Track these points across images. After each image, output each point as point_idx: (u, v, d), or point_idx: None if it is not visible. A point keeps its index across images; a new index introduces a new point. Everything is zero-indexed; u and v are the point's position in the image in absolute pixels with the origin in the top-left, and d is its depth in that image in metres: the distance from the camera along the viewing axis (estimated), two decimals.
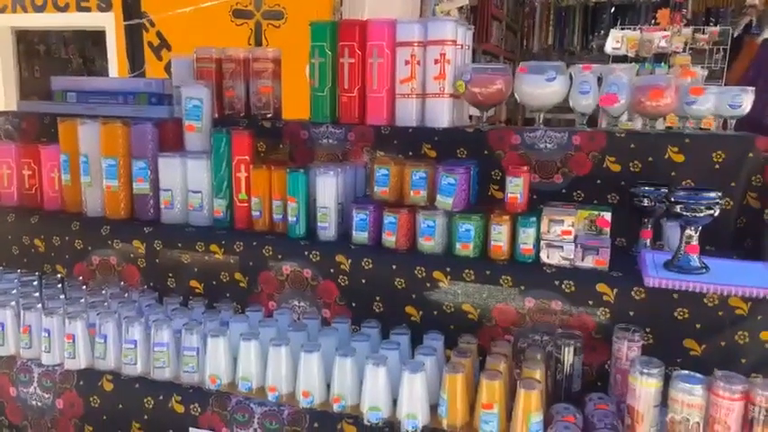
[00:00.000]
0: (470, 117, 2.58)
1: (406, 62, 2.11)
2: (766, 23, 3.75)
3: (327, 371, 1.71)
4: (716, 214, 1.63)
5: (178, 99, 2.37)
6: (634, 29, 4.48)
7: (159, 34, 4.32)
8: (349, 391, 1.67)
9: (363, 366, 1.65)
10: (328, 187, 2.02)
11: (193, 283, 2.16)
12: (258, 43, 4.14)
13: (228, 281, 2.10)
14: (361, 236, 1.98)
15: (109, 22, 4.50)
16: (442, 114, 2.14)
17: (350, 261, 1.94)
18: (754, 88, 1.92)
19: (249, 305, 2.05)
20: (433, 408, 1.63)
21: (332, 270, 1.97)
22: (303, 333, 1.82)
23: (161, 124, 2.29)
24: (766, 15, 3.82)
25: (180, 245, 2.14)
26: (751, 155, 1.85)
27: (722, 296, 1.60)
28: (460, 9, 4.58)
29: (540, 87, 2.01)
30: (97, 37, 4.89)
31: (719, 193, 1.63)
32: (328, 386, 1.72)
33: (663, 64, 4.43)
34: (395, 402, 1.65)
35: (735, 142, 1.87)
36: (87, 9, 4.57)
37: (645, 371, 1.43)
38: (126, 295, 2.11)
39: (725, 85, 5.68)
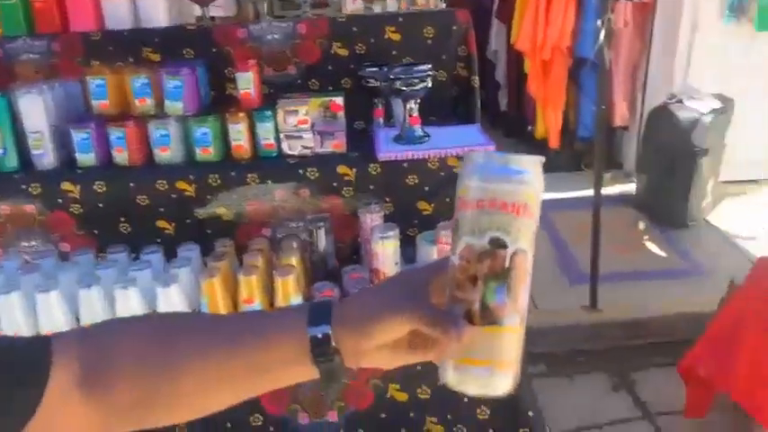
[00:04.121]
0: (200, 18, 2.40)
1: None
2: None
3: (73, 308, 1.57)
4: (429, 86, 1.78)
5: None
6: None
7: None
8: None
9: (113, 294, 1.55)
10: (35, 109, 1.76)
11: None
12: None
13: None
14: (86, 157, 1.79)
15: None
16: (157, 12, 1.96)
17: (79, 187, 1.76)
18: None
19: None
20: None
21: (60, 200, 1.77)
22: (36, 274, 1.63)
23: None
24: None
25: None
26: (455, 27, 2.02)
27: (441, 158, 1.80)
28: None
29: None
30: None
31: (430, 66, 1.78)
32: (79, 322, 1.59)
33: None
34: None
35: (440, 17, 2.02)
36: None
37: (382, 236, 1.57)
38: None
39: None
